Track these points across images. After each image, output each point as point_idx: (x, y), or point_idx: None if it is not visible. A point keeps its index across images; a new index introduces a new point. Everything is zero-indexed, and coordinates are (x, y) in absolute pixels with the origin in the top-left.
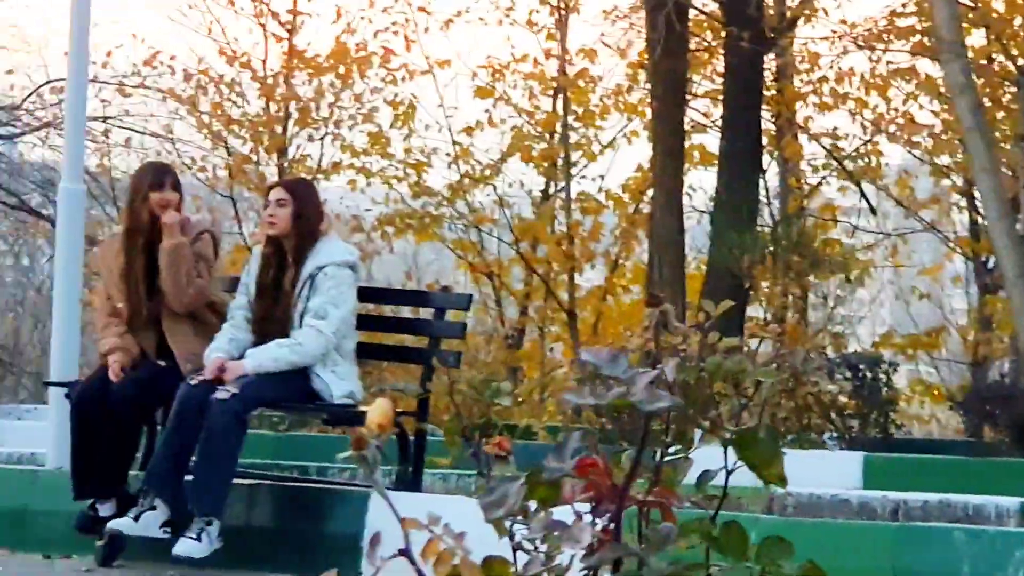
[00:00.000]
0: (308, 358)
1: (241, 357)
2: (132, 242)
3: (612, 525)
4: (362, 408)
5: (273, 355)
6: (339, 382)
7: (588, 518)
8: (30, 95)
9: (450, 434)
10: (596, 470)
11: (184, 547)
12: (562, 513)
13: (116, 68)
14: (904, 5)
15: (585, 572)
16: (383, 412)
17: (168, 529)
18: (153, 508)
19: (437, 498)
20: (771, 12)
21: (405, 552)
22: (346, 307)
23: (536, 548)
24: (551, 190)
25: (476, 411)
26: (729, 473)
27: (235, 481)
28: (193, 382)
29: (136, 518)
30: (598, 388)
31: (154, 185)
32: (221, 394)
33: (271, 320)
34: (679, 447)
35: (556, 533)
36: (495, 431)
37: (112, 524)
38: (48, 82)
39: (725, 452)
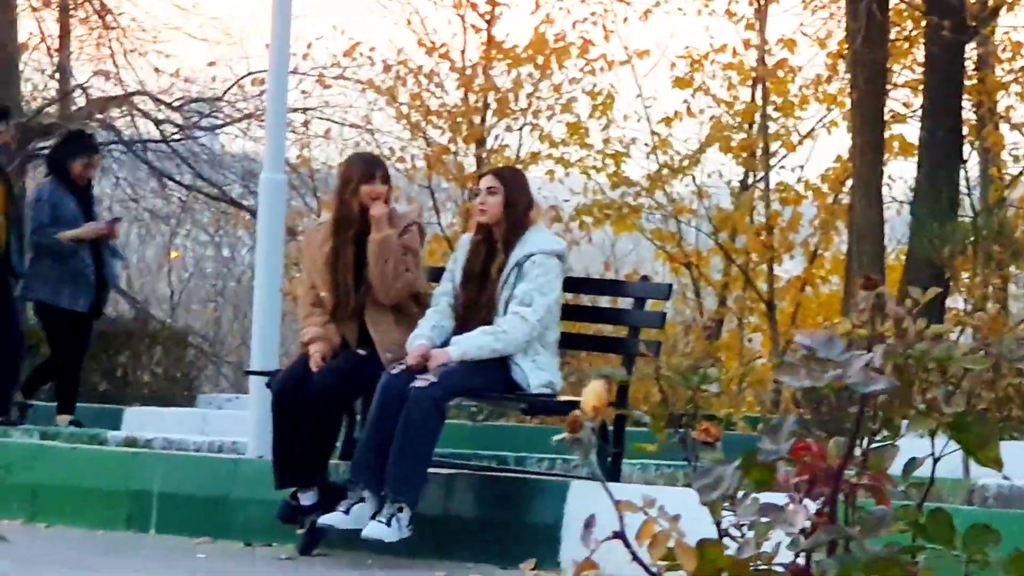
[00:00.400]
0: (512, 346)
1: (444, 344)
2: (341, 233)
3: (827, 508)
4: (561, 398)
5: (477, 343)
6: (539, 372)
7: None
8: (231, 87)
9: (657, 420)
10: (810, 453)
11: (374, 530)
12: (769, 499)
13: (316, 60)
14: None
15: (797, 555)
16: (598, 395)
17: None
18: (362, 500)
19: (638, 488)
20: (973, 1)
21: (620, 534)
22: (552, 296)
23: (743, 535)
24: (750, 180)
25: (682, 398)
26: (936, 461)
27: (433, 470)
28: (395, 371)
29: (346, 511)
30: (813, 370)
31: (365, 177)
32: (420, 382)
33: (476, 307)
34: (886, 434)
35: (770, 516)
36: (701, 418)
37: (323, 519)
38: (249, 74)
39: (932, 439)
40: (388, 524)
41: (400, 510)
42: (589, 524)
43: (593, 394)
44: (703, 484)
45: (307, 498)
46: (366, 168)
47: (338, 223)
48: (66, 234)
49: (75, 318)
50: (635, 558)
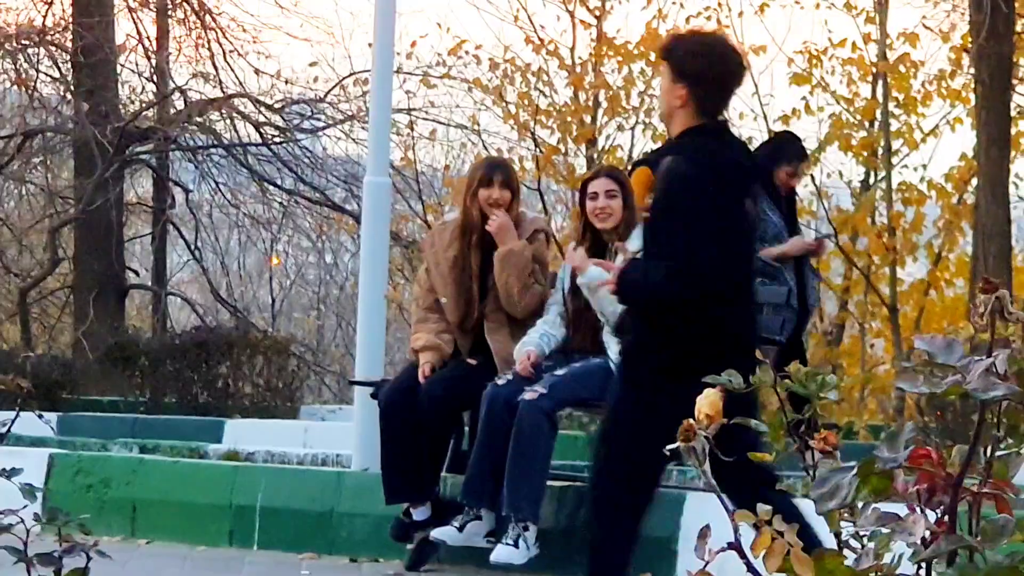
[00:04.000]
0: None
1: (552, 354)
2: (465, 238)
3: (946, 517)
4: None
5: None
6: None
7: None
8: (333, 88)
9: (775, 428)
10: (929, 461)
11: (502, 554)
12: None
13: (420, 59)
14: None
15: (917, 566)
16: (712, 403)
17: (492, 539)
18: (478, 518)
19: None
20: None
21: (735, 545)
22: None
23: (863, 545)
24: (871, 180)
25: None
26: None
27: (547, 483)
28: (500, 382)
29: (460, 528)
30: (932, 377)
31: (483, 181)
32: (529, 394)
33: (587, 314)
34: (1010, 442)
35: (889, 526)
36: (820, 426)
37: (436, 534)
38: (352, 74)
39: None
40: (516, 545)
41: (525, 528)
42: (704, 535)
43: (707, 402)
44: (820, 493)
45: (419, 513)
46: (486, 172)
47: (463, 228)
48: (770, 251)
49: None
50: (750, 569)
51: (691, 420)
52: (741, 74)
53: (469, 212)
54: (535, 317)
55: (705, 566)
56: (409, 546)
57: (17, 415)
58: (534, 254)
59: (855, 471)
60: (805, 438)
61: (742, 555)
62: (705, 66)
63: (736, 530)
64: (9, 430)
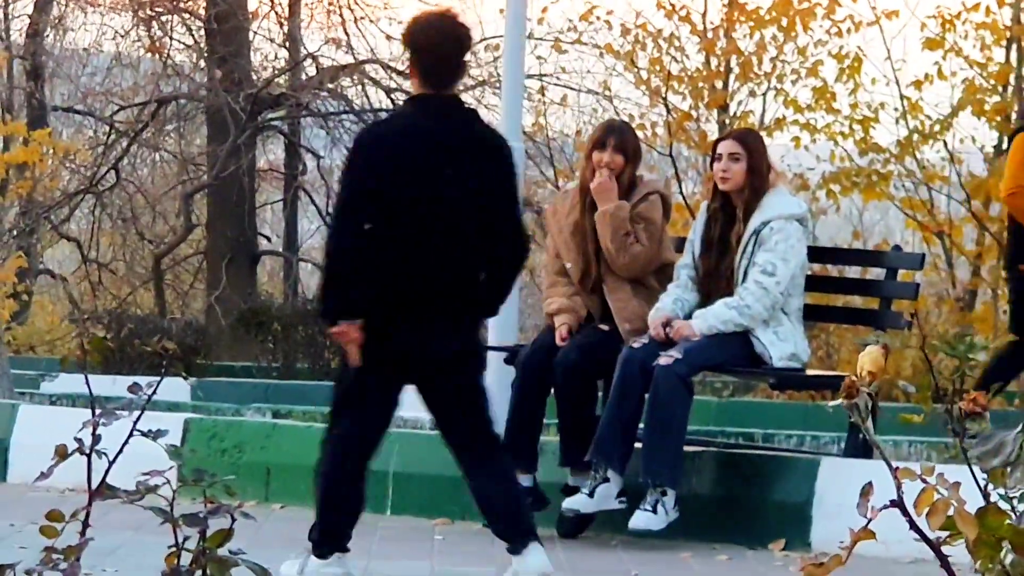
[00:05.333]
0: (756, 319)
1: (687, 317)
2: (583, 201)
3: None
4: (810, 372)
5: (721, 316)
6: (780, 343)
7: None
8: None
9: (923, 391)
10: None
11: (641, 520)
12: None
13: (552, 24)
14: None
15: None
16: (874, 359)
17: (624, 499)
18: (606, 480)
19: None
20: None
21: (898, 503)
22: (795, 262)
23: (1013, 507)
24: (1004, 145)
25: (947, 368)
26: None
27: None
28: (636, 345)
29: (591, 493)
30: None
31: (597, 144)
32: (664, 359)
33: (716, 277)
34: None
35: None
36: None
37: (567, 503)
38: (483, 39)
39: None
40: (654, 511)
41: (664, 494)
42: (866, 493)
43: (870, 359)
44: (983, 451)
45: (526, 480)
46: (600, 135)
47: (581, 190)
48: None
49: None
50: (913, 527)
51: (853, 377)
52: (459, 47)
53: (584, 175)
54: (655, 277)
55: (868, 523)
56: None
57: (162, 378)
58: (641, 214)
59: (1020, 430)
60: (954, 400)
61: (905, 513)
62: (423, 41)
63: (899, 488)
64: (155, 392)
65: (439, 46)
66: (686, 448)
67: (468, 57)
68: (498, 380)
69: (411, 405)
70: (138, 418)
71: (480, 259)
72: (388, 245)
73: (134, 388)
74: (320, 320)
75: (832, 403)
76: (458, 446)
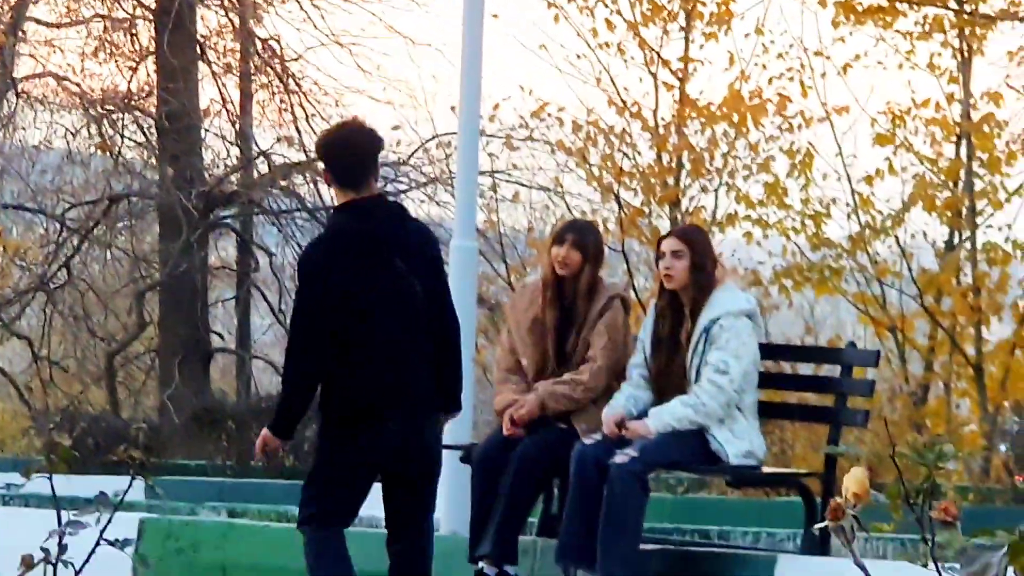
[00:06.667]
0: (711, 417)
1: (641, 416)
2: (544, 295)
3: None
4: (767, 469)
5: (676, 414)
6: (736, 441)
7: None
8: (416, 150)
9: (894, 498)
10: None
11: None
12: None
13: (503, 121)
14: None
15: None
16: (859, 481)
17: None
18: None
19: (847, 562)
20: None
21: None
22: (748, 359)
23: None
24: (956, 240)
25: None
26: None
27: None
28: (588, 441)
29: None
30: None
31: (556, 239)
32: (620, 458)
33: (669, 375)
34: None
35: None
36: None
37: None
38: (434, 137)
39: None
40: None
41: None
42: None
43: (855, 481)
44: (971, 571)
45: (514, 570)
46: (560, 230)
47: (543, 285)
48: None
49: None
50: None
51: (838, 500)
52: (365, 150)
53: (545, 269)
54: (618, 380)
55: None
56: None
57: (130, 486)
58: (608, 323)
59: (1006, 549)
60: (925, 508)
61: None
62: (331, 151)
63: None
64: (122, 501)
65: (346, 153)
66: (644, 546)
67: (380, 156)
68: (454, 476)
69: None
70: (104, 527)
71: (437, 349)
72: (360, 349)
73: (102, 498)
74: (269, 430)
75: (819, 525)
76: (399, 535)
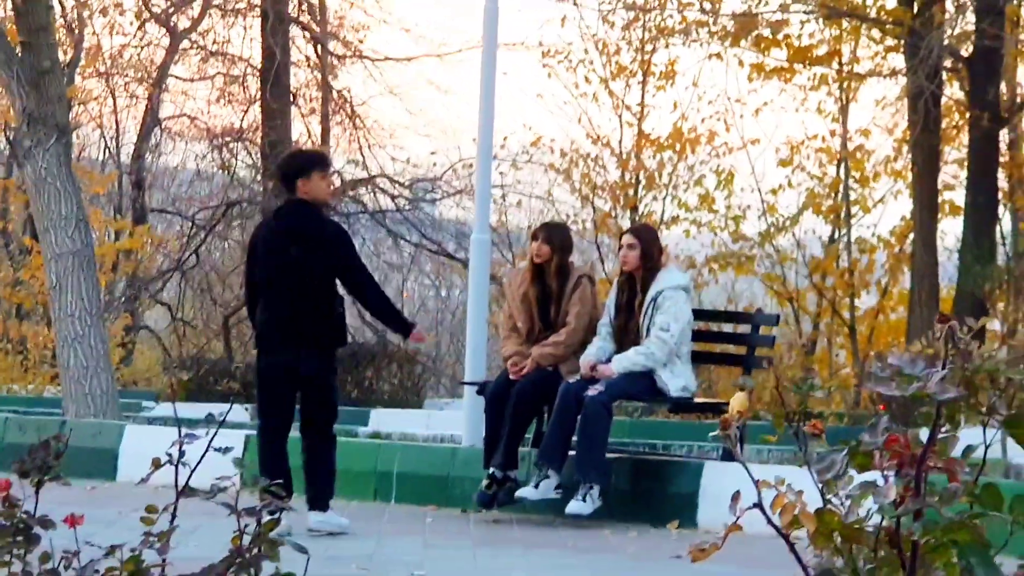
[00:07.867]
0: (657, 362)
1: (608, 361)
2: (531, 277)
3: (913, 485)
4: (697, 400)
5: (632, 360)
6: (675, 379)
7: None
8: (447, 170)
9: (777, 418)
10: (899, 444)
11: (575, 507)
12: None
13: (510, 149)
14: None
15: (890, 520)
16: (742, 402)
17: (560, 491)
18: (547, 477)
19: (757, 467)
20: (1005, 98)
21: (759, 505)
22: (683, 320)
23: (843, 503)
24: (836, 235)
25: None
26: (987, 447)
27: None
28: (571, 380)
29: (536, 486)
30: (900, 383)
31: (533, 237)
32: (592, 391)
33: (627, 332)
34: (949, 428)
35: (869, 491)
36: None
37: (519, 493)
38: (460, 160)
39: (984, 431)
40: (584, 500)
41: (591, 488)
42: (736, 498)
43: (739, 401)
44: (821, 467)
45: (513, 473)
46: (536, 230)
47: (530, 269)
48: None
49: None
50: (770, 523)
51: (726, 415)
52: (303, 165)
53: (530, 258)
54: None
55: (737, 519)
56: (486, 489)
57: (230, 408)
58: (579, 296)
59: (846, 452)
60: (799, 424)
61: (764, 512)
62: (281, 167)
63: (759, 493)
64: (224, 420)
65: (286, 168)
66: (608, 454)
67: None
68: (472, 404)
69: (411, 425)
70: (212, 438)
71: (325, 303)
72: (263, 298)
73: (209, 417)
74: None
75: (712, 434)
76: (304, 431)
